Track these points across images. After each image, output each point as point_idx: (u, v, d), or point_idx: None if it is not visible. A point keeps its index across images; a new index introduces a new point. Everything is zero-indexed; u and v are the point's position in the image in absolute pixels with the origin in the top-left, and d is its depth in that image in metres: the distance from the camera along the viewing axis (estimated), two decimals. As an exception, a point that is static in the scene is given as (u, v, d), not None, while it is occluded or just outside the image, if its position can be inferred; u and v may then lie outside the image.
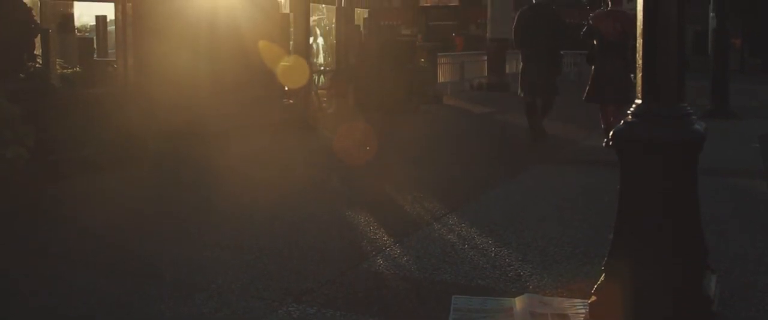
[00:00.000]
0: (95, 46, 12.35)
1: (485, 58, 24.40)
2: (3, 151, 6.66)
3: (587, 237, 5.98)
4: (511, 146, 12.00)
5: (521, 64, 12.09)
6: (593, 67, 11.09)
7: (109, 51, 12.09)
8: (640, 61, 3.91)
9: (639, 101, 3.93)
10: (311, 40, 16.91)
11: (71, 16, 12.49)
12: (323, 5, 18.92)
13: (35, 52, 8.70)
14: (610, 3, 11.16)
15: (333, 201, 7.59)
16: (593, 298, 4.05)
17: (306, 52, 15.48)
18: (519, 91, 12.17)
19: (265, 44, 12.72)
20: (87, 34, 13.55)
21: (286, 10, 15.41)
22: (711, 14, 15.54)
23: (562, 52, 12.34)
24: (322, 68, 17.47)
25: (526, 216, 6.81)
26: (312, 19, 17.27)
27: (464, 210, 7.05)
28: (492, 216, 6.82)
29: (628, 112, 3.96)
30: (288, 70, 12.94)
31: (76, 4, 12.72)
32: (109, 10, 11.09)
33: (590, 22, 11.15)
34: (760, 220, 6.75)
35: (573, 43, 13.10)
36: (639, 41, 3.90)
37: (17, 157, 6.73)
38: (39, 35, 8.85)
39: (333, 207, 7.24)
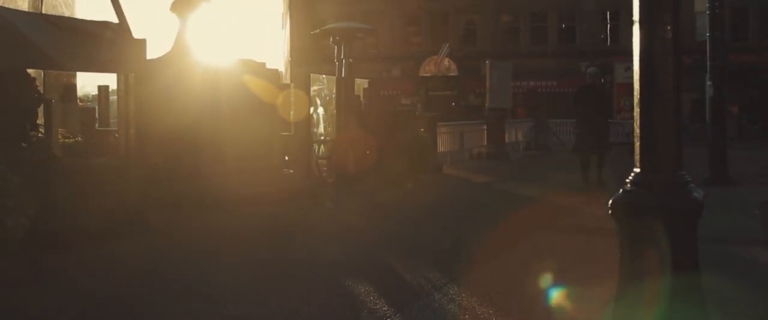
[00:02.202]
0: (97, 115, 12.45)
1: (485, 127, 24.54)
2: (4, 219, 6.67)
3: (588, 306, 5.94)
4: (510, 215, 11.99)
5: (577, 128, 15.78)
6: None
7: (111, 120, 12.17)
8: (637, 131, 3.95)
9: (637, 170, 3.95)
10: (311, 110, 17.02)
11: (74, 86, 12.62)
12: (323, 75, 19.10)
13: (38, 122, 8.77)
14: None
15: (333, 270, 7.56)
16: (595, 368, 4.02)
17: (306, 121, 15.59)
18: (572, 149, 15.88)
19: (266, 114, 12.82)
20: (89, 103, 13.66)
21: (287, 81, 15.56)
22: (708, 82, 15.58)
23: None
24: (323, 138, 17.55)
25: (527, 285, 6.77)
26: (312, 89, 17.41)
27: (464, 279, 7.01)
28: (492, 285, 6.79)
29: (627, 180, 3.99)
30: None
31: (78, 74, 12.85)
32: (111, 81, 11.21)
33: None
34: (762, 288, 6.71)
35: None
36: (636, 110, 3.94)
37: (18, 225, 6.74)
38: (42, 105, 8.93)
39: (333, 277, 7.21)
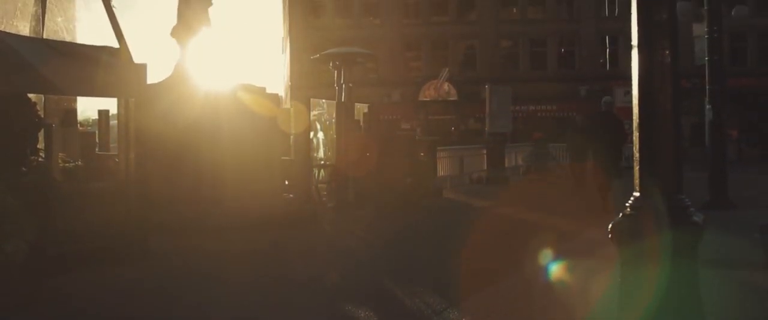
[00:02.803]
0: (97, 140, 12.46)
1: (484, 151, 24.56)
2: (3, 244, 6.66)
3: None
4: (510, 239, 11.96)
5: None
6: None
7: (112, 145, 12.18)
8: (637, 154, 3.95)
9: (637, 193, 3.95)
10: (312, 134, 17.04)
11: (74, 111, 12.64)
12: (324, 100, 19.13)
13: (38, 146, 8.78)
14: None
15: (333, 294, 7.54)
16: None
17: (306, 146, 15.60)
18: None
19: (266, 139, 12.83)
20: (89, 128, 13.68)
21: (287, 105, 15.60)
22: (707, 106, 15.61)
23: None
24: (323, 162, 17.56)
25: (527, 311, 6.75)
26: (312, 113, 17.43)
27: (464, 304, 6.99)
28: (492, 310, 6.77)
29: (627, 204, 3.98)
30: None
31: (79, 98, 12.88)
32: (111, 105, 11.22)
33: None
34: (763, 312, 6.69)
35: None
36: (635, 134, 3.94)
37: (17, 250, 6.73)
38: (42, 129, 8.94)
39: (333, 301, 7.20)
